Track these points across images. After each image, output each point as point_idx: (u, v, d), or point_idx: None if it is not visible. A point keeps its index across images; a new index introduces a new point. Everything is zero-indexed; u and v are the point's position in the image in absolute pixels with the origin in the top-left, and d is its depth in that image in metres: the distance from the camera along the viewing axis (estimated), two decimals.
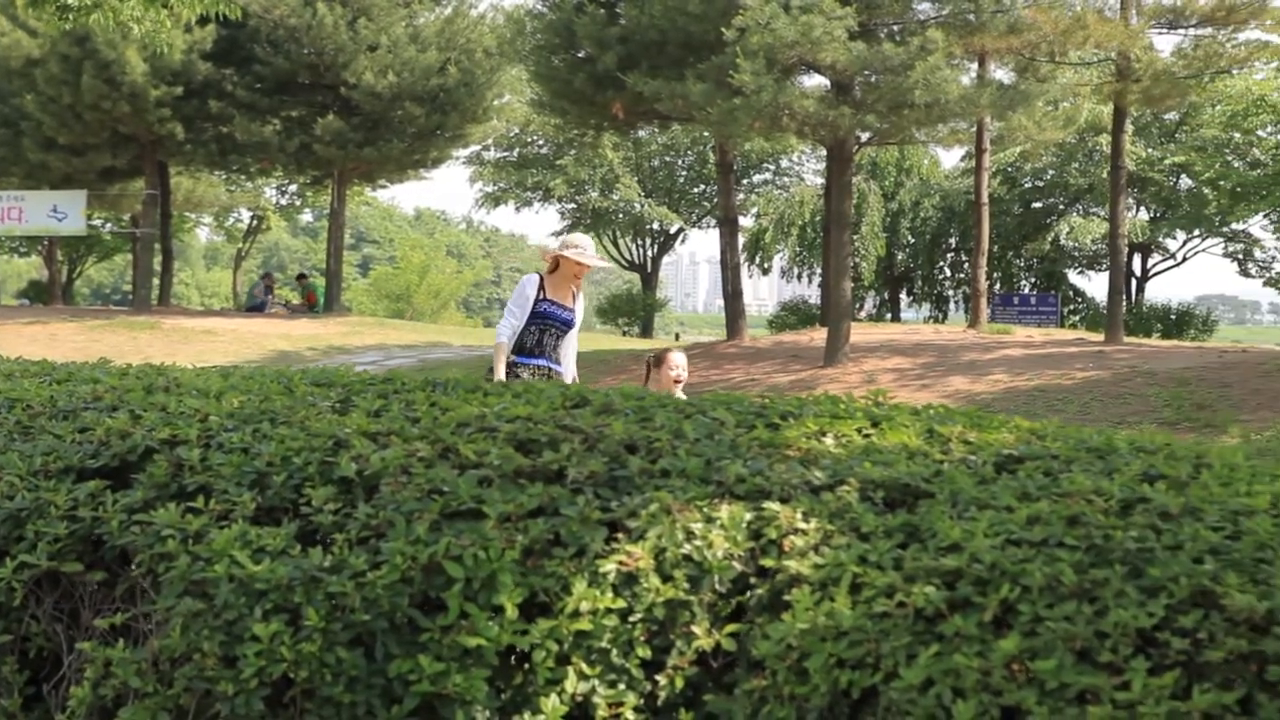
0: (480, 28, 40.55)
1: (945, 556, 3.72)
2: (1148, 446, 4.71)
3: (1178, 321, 48.14)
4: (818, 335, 28.09)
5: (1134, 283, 53.57)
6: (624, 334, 56.62)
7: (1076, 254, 53.81)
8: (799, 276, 56.88)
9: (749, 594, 3.94)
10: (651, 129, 48.50)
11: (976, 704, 3.47)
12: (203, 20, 21.99)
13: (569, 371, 10.04)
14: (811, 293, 53.99)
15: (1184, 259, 55.27)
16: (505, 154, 57.87)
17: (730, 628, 3.88)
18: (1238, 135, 47.14)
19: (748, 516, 4.03)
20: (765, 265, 58.03)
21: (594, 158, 55.25)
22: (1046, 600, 3.59)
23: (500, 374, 9.53)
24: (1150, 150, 49.64)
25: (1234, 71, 37.19)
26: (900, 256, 55.00)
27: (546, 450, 4.37)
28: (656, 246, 64.49)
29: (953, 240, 54.43)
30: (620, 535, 4.01)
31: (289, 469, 4.46)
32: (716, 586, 3.93)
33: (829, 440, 4.63)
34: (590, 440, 4.47)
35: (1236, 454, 4.74)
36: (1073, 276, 55.77)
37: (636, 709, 3.85)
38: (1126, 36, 25.67)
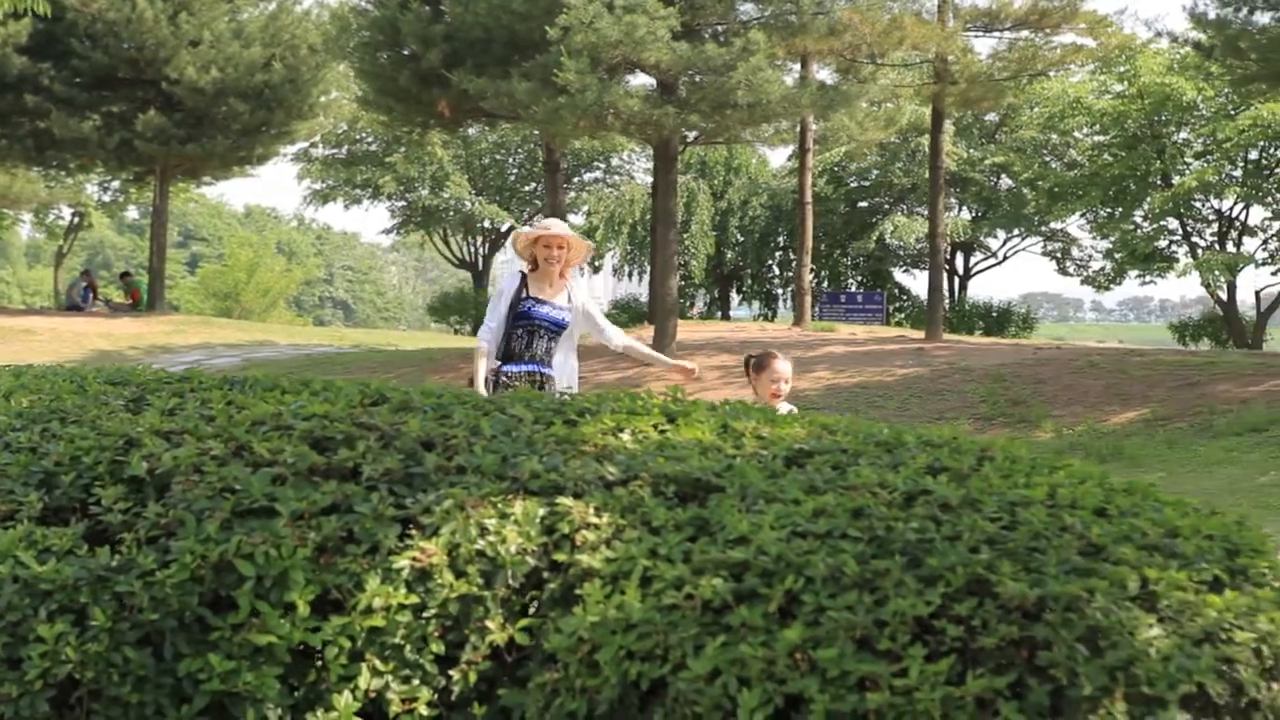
0: (305, 24, 40.13)
1: (733, 549, 3.80)
2: (934, 440, 4.83)
3: (999, 319, 49.07)
4: (645, 333, 28.16)
5: (956, 281, 54.49)
6: (455, 332, 56.40)
7: (901, 252, 54.67)
8: (630, 274, 57.11)
9: (542, 588, 3.99)
10: (481, 127, 48.37)
11: (761, 693, 3.54)
12: (15, 14, 21.44)
13: (565, 376, 9.11)
14: (643, 290, 54.19)
15: (1005, 257, 56.37)
16: (334, 151, 57.25)
17: (523, 622, 3.92)
18: (1055, 137, 48.20)
19: (541, 512, 4.08)
20: (596, 264, 58.13)
21: (424, 155, 54.89)
22: (829, 590, 3.67)
23: (479, 382, 8.78)
24: (971, 151, 50.55)
25: (1051, 74, 38.08)
26: (730, 255, 55.42)
27: (342, 448, 4.37)
28: (488, 244, 64.29)
29: (781, 239, 54.97)
30: (414, 532, 4.03)
31: (78, 468, 4.40)
32: (510, 581, 3.96)
33: (626, 436, 4.69)
34: (386, 438, 4.48)
35: (1020, 447, 4.89)
36: (898, 274, 56.68)
37: (430, 704, 3.87)
38: (943, 39, 26.16)
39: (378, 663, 3.84)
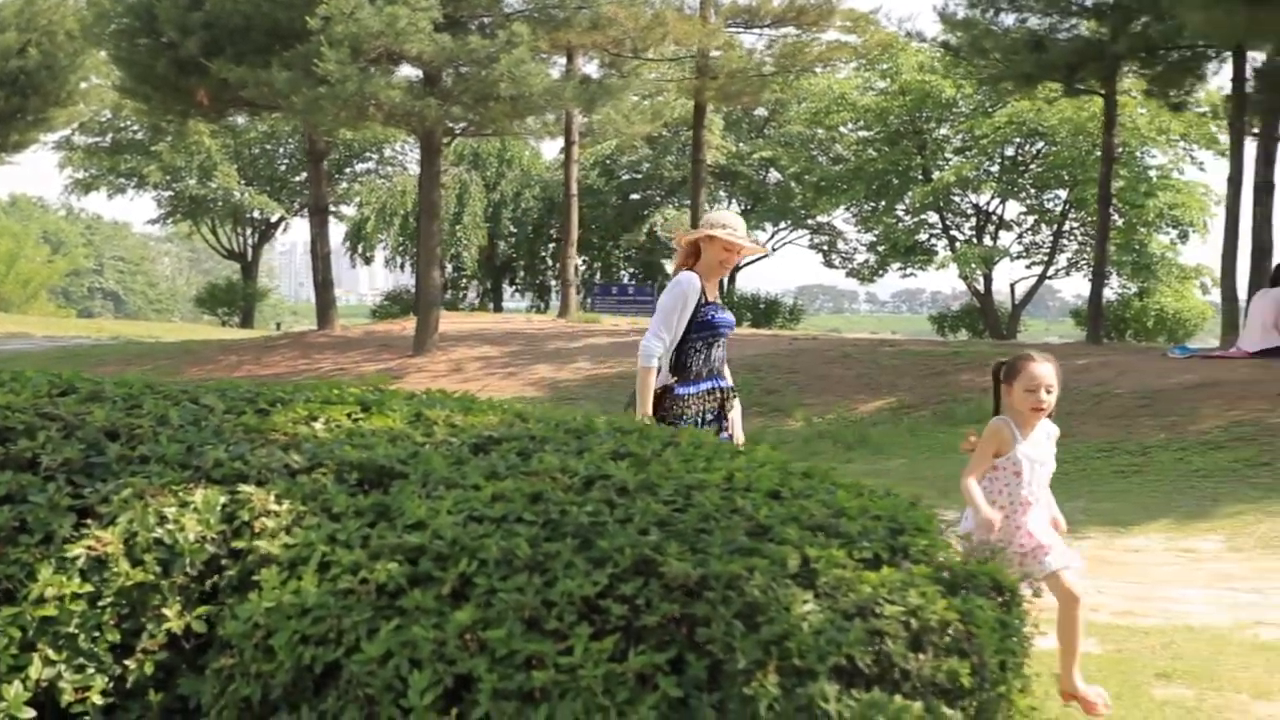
0: (62, 9, 39.12)
1: (410, 534, 3.88)
2: (625, 427, 4.96)
3: (766, 311, 49.67)
4: (410, 325, 28.08)
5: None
6: (224, 324, 55.50)
7: (672, 245, 55.05)
8: (402, 266, 56.72)
9: (221, 575, 4.02)
10: (250, 116, 47.57)
11: (431, 674, 3.62)
12: None
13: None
14: (414, 282, 53.87)
15: (774, 250, 57.13)
16: (97, 139, 55.87)
17: (201, 610, 3.95)
18: (821, 132, 48.97)
19: (222, 500, 4.11)
20: (368, 255, 57.64)
21: (190, 144, 53.84)
22: (501, 573, 3.76)
23: (648, 407, 7.51)
24: (740, 145, 51.22)
25: (818, 70, 38.78)
26: (503, 246, 55.40)
27: (22, 438, 4.35)
28: (257, 235, 63.35)
29: (554, 231, 55.02)
30: (91, 521, 4.03)
31: None
32: (189, 569, 3.99)
33: (319, 425, 4.73)
34: (69, 427, 4.46)
35: (708, 435, 5.04)
36: (670, 267, 56.98)
37: (104, 693, 3.87)
38: (704, 35, 26.52)
39: (50, 652, 3.83)
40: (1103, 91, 26.06)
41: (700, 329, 7.46)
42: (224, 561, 4.03)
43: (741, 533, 4.03)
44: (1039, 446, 6.28)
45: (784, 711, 3.64)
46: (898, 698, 3.89)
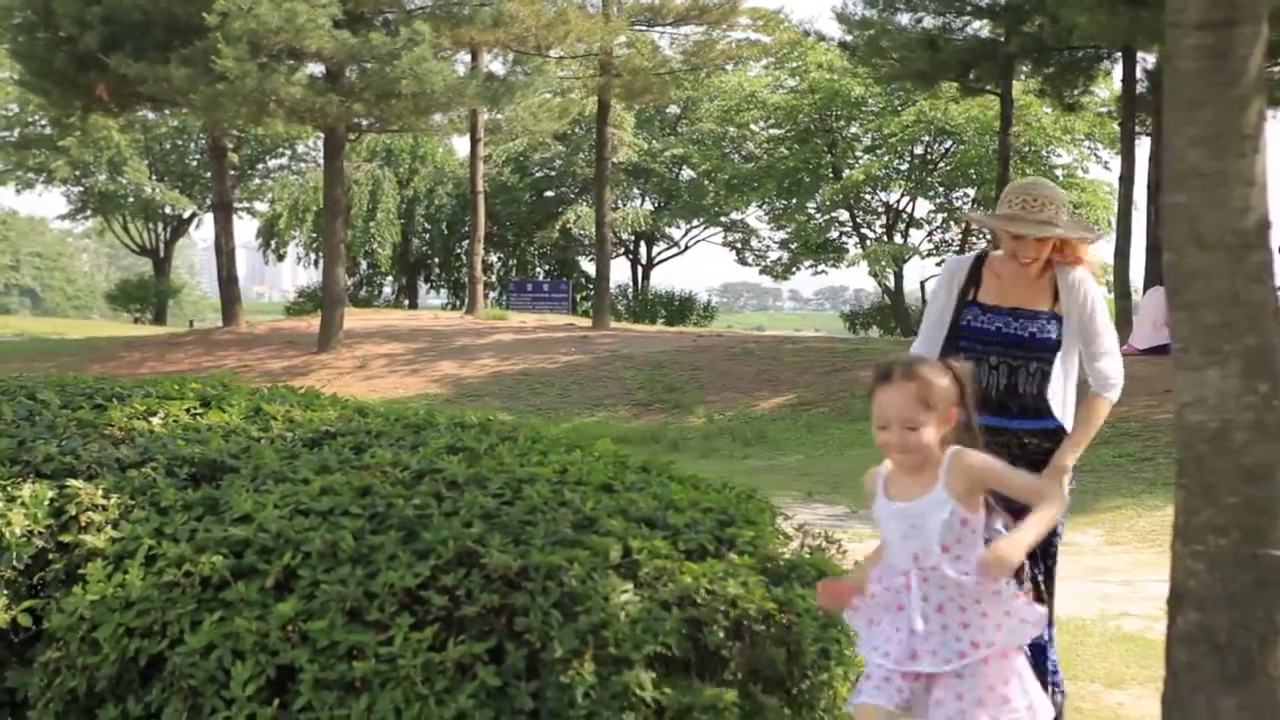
0: None
1: (235, 527, 3.92)
2: (466, 422, 5.02)
3: (680, 308, 49.72)
4: (316, 321, 27.94)
5: (639, 270, 55.21)
6: (135, 320, 54.92)
7: (585, 242, 55.04)
8: (315, 263, 56.28)
9: (48, 569, 4.05)
10: (159, 112, 47.05)
11: (254, 665, 3.67)
12: None
13: (1073, 438, 5.20)
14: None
15: (686, 247, 57.18)
16: (5, 134, 55.04)
17: (27, 603, 3.97)
18: (732, 129, 49.07)
19: (50, 494, 4.13)
20: (281, 252, 57.15)
21: (100, 140, 53.17)
22: (325, 565, 3.82)
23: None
24: (653, 142, 51.23)
25: (729, 68, 38.90)
26: (417, 243, 55.07)
27: None
28: (170, 231, 62.71)
29: (467, 228, 54.76)
30: None
31: None
32: (15, 563, 4.01)
33: (156, 420, 4.76)
34: None
35: (550, 429, 5.11)
36: (585, 263, 57.00)
37: None
38: (607, 32, 26.57)
39: None
40: (998, 91, 26.37)
41: (962, 337, 5.37)
42: (51, 555, 4.05)
43: (567, 525, 4.10)
44: (916, 504, 3.87)
45: (600, 699, 3.71)
46: (715, 685, 3.99)
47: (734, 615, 4.10)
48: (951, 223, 46.06)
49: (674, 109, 51.55)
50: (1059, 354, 5.28)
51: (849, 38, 26.45)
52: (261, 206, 58.77)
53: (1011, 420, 5.19)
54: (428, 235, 55.08)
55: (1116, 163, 25.49)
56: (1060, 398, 5.28)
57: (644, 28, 28.91)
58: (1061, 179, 42.22)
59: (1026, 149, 41.12)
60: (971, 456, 3.93)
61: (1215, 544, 3.78)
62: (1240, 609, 3.75)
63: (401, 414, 5.05)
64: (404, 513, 3.99)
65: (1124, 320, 22.23)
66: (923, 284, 47.28)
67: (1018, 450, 5.07)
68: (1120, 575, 9.45)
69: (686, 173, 52.92)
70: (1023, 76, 26.86)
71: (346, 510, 3.97)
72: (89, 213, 60.95)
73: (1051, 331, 5.25)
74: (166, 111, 38.73)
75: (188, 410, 4.91)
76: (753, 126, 48.32)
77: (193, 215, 61.86)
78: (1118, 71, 23.66)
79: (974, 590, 3.78)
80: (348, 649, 3.65)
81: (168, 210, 60.52)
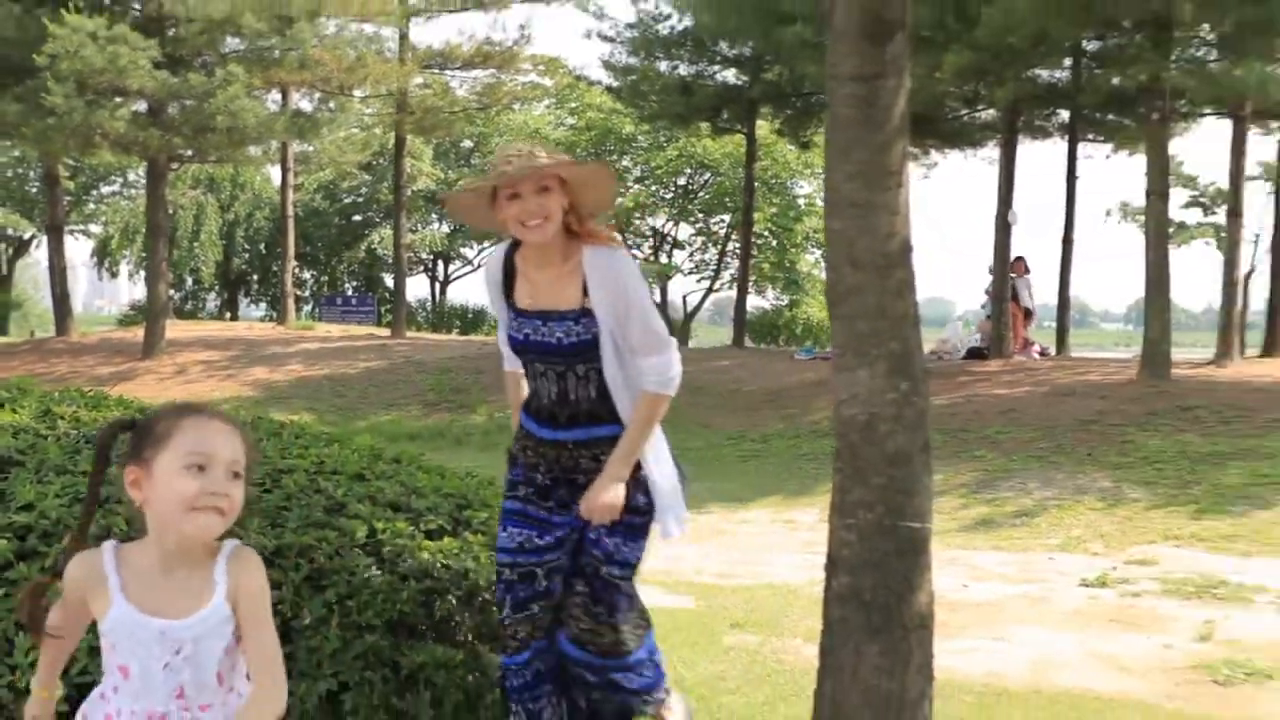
0: None
1: (19, 514, 3.88)
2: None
3: (473, 319, 49.70)
4: (143, 331, 27.37)
5: (437, 285, 55.19)
6: None
7: (388, 260, 54.71)
8: (146, 279, 55.02)
9: None
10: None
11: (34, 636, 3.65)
12: None
13: (621, 444, 4.16)
14: None
15: (479, 265, 57.01)
16: None
17: None
18: None
19: None
20: (114, 270, 55.94)
21: None
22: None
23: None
24: (449, 172, 51.05)
25: (515, 107, 38.99)
26: (237, 262, 54.24)
27: None
28: (12, 250, 60.77)
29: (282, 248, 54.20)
30: None
31: None
32: None
33: None
34: None
35: (313, 426, 5.14)
36: (390, 279, 56.64)
37: None
38: (402, 75, 26.53)
39: None
40: (744, 130, 26.84)
41: (518, 350, 4.38)
42: None
43: (320, 509, 4.15)
44: (189, 622, 2.56)
45: (344, 660, 3.78)
46: (447, 646, 4.09)
47: (466, 586, 4.20)
48: (710, 245, 46.61)
49: (468, 143, 51.44)
50: (611, 353, 4.15)
51: (615, 83, 26.71)
52: (97, 229, 57.36)
53: (558, 431, 4.23)
54: (248, 254, 54.38)
55: None
56: (627, 402, 4.19)
57: (437, 70, 28.92)
58: (804, 207, 43.04)
59: (772, 180, 41.82)
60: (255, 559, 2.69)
61: (864, 518, 3.98)
62: (882, 572, 3.96)
63: None
64: None
65: None
66: (684, 298, 47.87)
67: (569, 463, 4.22)
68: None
69: None
70: (767, 117, 27.32)
71: (119, 499, 3.96)
72: None
73: (582, 333, 4.13)
74: (8, 142, 37.62)
75: None
76: None
77: (33, 237, 60.05)
78: None
79: None
80: None
81: (10, 232, 58.63)
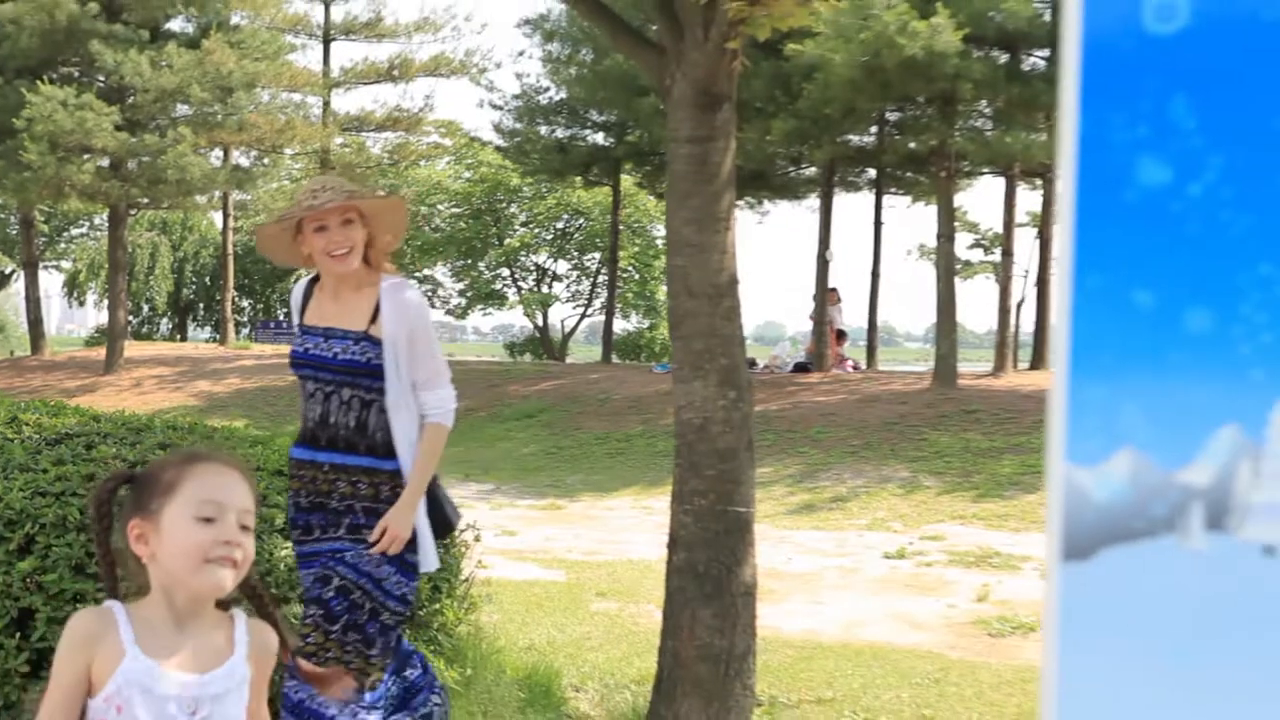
0: None
1: None
2: (178, 425, 4.91)
3: None
4: (104, 351, 26.64)
5: None
6: None
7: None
8: (108, 307, 53.71)
9: None
10: None
11: (1, 608, 3.55)
12: None
13: (412, 475, 3.74)
14: None
15: None
16: None
17: None
18: (424, 208, 48.60)
19: None
20: (82, 299, 54.81)
21: None
22: (57, 532, 3.71)
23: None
24: None
25: (422, 164, 38.67)
26: (186, 292, 53.24)
27: None
28: None
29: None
30: None
31: None
32: None
33: None
34: None
35: (242, 430, 5.03)
36: None
37: None
38: (324, 136, 26.25)
39: None
40: (611, 184, 26.90)
41: (297, 366, 3.95)
42: None
43: None
44: (212, 676, 2.06)
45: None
46: None
47: None
48: (584, 278, 46.56)
49: (381, 193, 50.91)
50: (393, 383, 3.68)
51: (503, 143, 26.69)
52: (67, 264, 56.23)
53: (317, 452, 3.71)
54: (195, 286, 53.61)
55: None
56: (404, 433, 3.70)
57: (355, 132, 28.66)
58: (661, 247, 43.14)
59: (635, 224, 41.92)
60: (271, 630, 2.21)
61: (699, 504, 4.01)
62: (713, 549, 3.99)
63: (129, 419, 4.90)
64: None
65: None
66: (562, 322, 47.76)
67: (325, 486, 3.69)
68: None
69: None
70: (630, 172, 27.40)
71: (75, 492, 3.86)
72: None
73: (358, 354, 3.68)
74: None
75: None
76: (439, 206, 47.91)
77: (13, 271, 58.45)
78: None
79: None
80: (73, 594, 3.57)
81: None
